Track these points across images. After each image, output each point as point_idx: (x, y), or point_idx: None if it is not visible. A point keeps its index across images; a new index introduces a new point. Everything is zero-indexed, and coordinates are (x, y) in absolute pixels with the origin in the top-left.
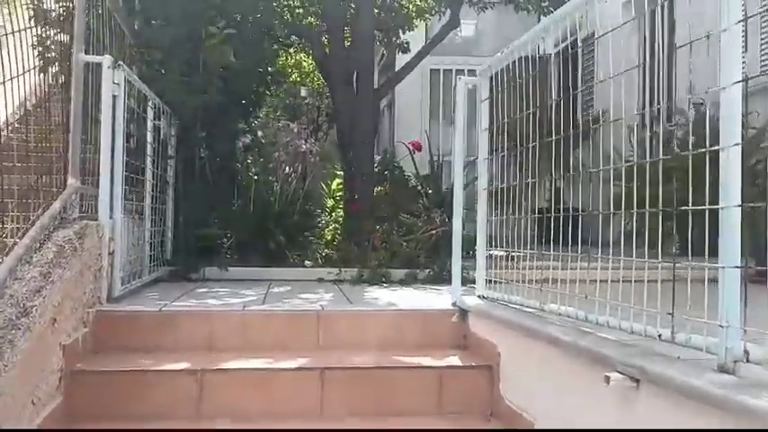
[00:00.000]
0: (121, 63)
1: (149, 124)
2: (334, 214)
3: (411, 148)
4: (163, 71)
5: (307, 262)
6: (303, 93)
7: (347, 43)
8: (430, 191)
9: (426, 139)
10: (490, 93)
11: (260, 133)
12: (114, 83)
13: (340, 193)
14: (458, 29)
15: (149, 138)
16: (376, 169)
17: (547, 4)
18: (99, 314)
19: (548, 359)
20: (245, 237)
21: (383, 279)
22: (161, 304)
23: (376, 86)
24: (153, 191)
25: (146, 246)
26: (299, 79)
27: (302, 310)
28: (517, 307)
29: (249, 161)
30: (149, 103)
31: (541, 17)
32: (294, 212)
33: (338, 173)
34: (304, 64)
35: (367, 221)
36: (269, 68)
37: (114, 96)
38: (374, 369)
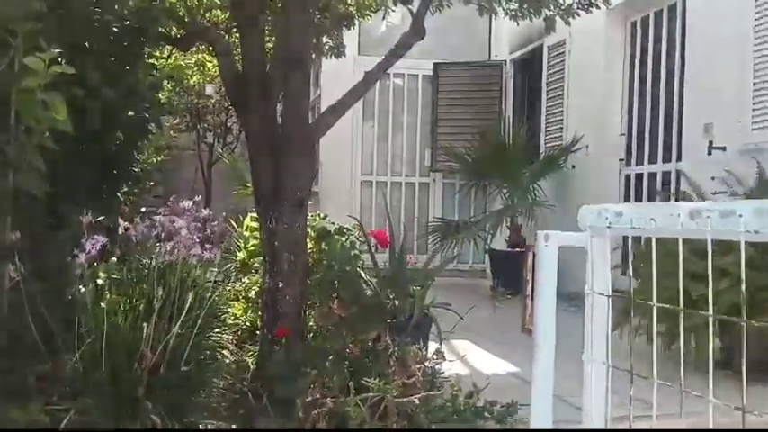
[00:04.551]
0: None
1: None
2: (248, 278)
3: (374, 241)
4: None
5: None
6: (209, 90)
7: (269, 44)
8: (396, 301)
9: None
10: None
11: (124, 224)
12: None
13: (255, 241)
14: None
15: None
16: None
17: (516, 6)
18: None
19: None
20: (94, 415)
21: None
22: None
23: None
24: None
25: None
26: (201, 82)
27: None
28: None
29: (101, 280)
30: None
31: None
32: (182, 360)
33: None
34: (209, 65)
35: (298, 372)
36: (146, 108)
37: None
38: None
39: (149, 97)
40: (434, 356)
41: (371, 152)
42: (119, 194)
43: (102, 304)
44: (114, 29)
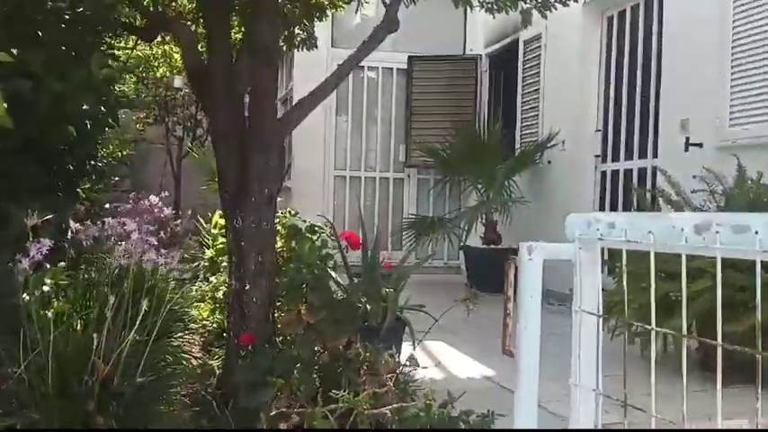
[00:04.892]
0: None
1: None
2: (215, 278)
3: (344, 244)
4: None
5: None
6: (177, 83)
7: (237, 35)
8: (368, 305)
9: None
10: None
11: (75, 227)
12: None
13: (224, 239)
14: (358, 17)
15: None
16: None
17: None
18: None
19: None
20: (41, 430)
21: None
22: None
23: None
24: None
25: None
26: (168, 74)
27: None
28: None
29: (47, 287)
30: None
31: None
32: (138, 370)
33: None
34: (176, 56)
35: (264, 380)
36: (103, 101)
37: None
38: None
39: (103, 90)
40: (407, 363)
41: (345, 147)
42: (78, 191)
43: (49, 312)
44: (66, 16)
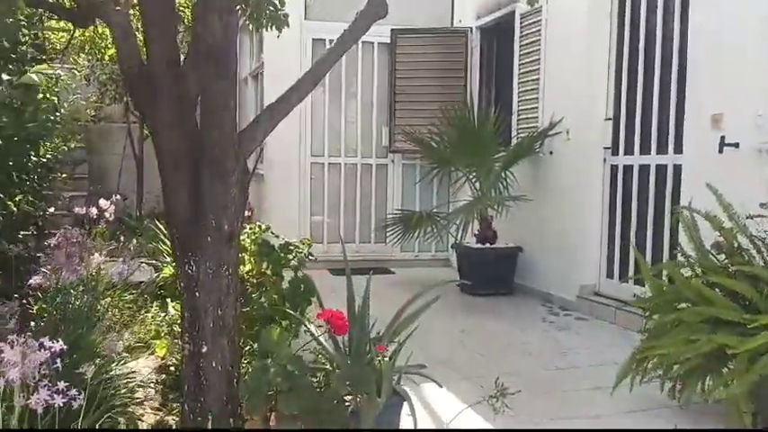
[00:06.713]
0: None
1: None
2: (173, 307)
3: (329, 327)
4: None
5: None
6: None
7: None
8: (359, 398)
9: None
10: None
11: None
12: None
13: None
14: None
15: None
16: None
17: None
18: None
19: None
20: None
21: None
22: None
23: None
24: None
25: None
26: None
27: None
28: None
29: None
30: None
31: None
32: None
33: None
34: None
35: None
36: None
37: None
38: None
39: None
40: None
41: (322, 130)
42: None
43: None
44: None
